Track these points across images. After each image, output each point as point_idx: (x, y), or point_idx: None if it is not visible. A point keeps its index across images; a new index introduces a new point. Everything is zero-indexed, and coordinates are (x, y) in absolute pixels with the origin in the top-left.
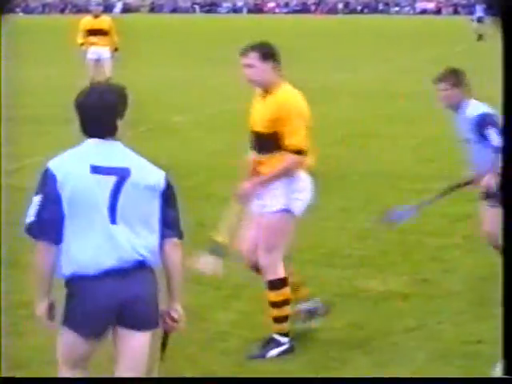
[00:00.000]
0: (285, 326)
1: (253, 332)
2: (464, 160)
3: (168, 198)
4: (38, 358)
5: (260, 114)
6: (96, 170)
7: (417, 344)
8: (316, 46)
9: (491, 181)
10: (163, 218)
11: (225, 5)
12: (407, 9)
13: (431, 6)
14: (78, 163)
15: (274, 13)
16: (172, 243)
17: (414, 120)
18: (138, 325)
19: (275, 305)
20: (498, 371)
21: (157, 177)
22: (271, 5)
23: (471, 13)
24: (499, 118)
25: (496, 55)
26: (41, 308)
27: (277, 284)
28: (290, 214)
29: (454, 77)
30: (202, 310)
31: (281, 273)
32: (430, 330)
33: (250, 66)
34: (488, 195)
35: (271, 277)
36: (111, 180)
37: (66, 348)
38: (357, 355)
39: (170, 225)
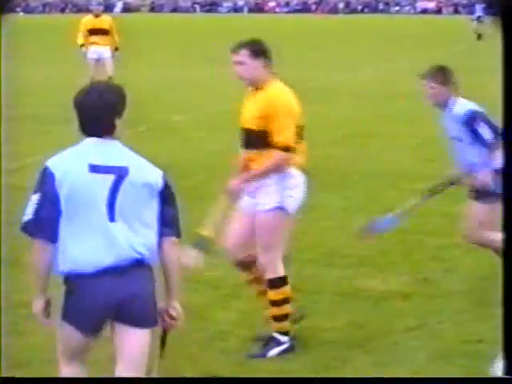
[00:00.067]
0: (285, 325)
1: (252, 331)
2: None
3: (166, 196)
4: (39, 358)
5: (250, 111)
6: (94, 168)
7: (417, 343)
8: (316, 45)
9: (487, 178)
10: (161, 216)
11: (225, 4)
12: (408, 8)
13: (432, 5)
14: (76, 162)
15: (275, 12)
16: (170, 242)
17: (414, 120)
18: (136, 322)
19: (275, 303)
20: (497, 369)
21: (155, 176)
22: (272, 4)
23: (472, 12)
24: (487, 116)
25: (497, 54)
26: (37, 305)
27: (276, 283)
28: (283, 212)
29: (441, 75)
30: (202, 310)
31: (280, 271)
32: (431, 330)
33: (240, 63)
34: (481, 192)
35: (271, 275)
36: (110, 178)
37: (64, 340)
38: (357, 355)
39: (168, 223)
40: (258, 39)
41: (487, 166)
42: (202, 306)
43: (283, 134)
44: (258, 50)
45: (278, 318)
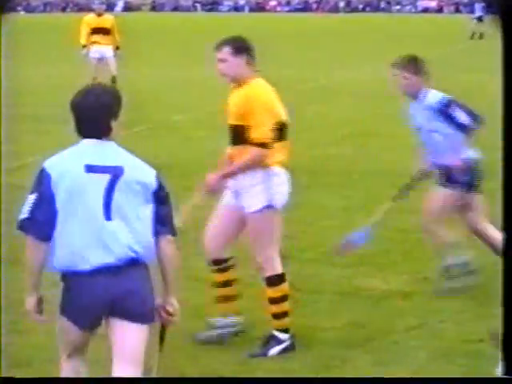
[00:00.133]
0: (284, 322)
1: (253, 330)
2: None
3: (160, 195)
4: (39, 356)
5: (232, 107)
6: (91, 169)
7: (418, 343)
8: (317, 44)
9: (458, 162)
10: (156, 215)
11: (226, 3)
12: (409, 7)
13: (433, 4)
14: (73, 163)
15: (276, 11)
16: (166, 240)
17: None
18: (131, 317)
19: (274, 301)
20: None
21: (149, 175)
22: (273, 3)
23: (473, 11)
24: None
25: (497, 54)
26: (29, 302)
27: (274, 280)
28: (272, 210)
29: (414, 65)
30: (202, 308)
31: (278, 269)
32: (432, 329)
33: (222, 60)
34: (452, 179)
35: (269, 273)
36: (105, 178)
37: (62, 334)
38: (358, 354)
39: (163, 222)
40: (241, 36)
41: (460, 152)
42: (202, 304)
43: (259, 130)
44: (240, 47)
45: (278, 316)
